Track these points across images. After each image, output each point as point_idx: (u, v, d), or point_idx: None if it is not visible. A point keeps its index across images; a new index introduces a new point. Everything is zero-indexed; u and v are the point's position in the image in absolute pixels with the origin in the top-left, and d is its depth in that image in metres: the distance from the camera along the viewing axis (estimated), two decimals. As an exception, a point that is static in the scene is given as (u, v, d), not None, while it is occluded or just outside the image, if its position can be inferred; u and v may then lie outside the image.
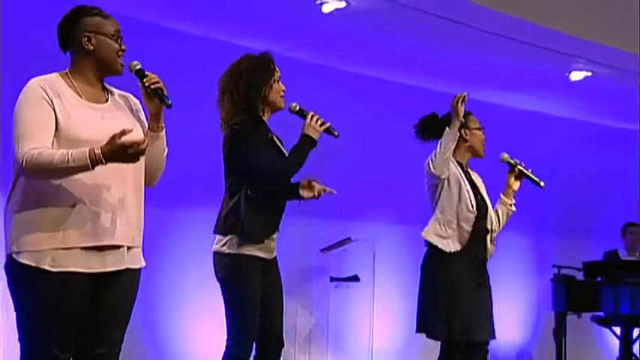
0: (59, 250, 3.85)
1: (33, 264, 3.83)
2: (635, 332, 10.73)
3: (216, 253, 5.00)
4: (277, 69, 5.12)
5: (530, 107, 11.31)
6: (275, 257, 5.14)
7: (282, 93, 5.12)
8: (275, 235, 5.06)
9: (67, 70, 4.05)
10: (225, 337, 4.99)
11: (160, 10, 8.09)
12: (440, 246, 5.72)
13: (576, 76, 9.94)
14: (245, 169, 4.95)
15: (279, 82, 5.11)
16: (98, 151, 3.66)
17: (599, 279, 10.65)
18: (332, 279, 9.28)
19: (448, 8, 7.96)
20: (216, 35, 8.47)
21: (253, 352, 5.04)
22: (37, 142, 3.75)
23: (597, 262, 11.00)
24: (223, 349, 5.00)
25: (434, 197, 5.84)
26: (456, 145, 5.83)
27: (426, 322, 5.79)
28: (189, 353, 8.38)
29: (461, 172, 5.85)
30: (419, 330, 5.88)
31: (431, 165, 5.69)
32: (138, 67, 4.10)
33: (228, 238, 4.94)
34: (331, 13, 7.81)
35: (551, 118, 11.58)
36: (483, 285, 5.84)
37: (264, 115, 5.11)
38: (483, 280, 5.85)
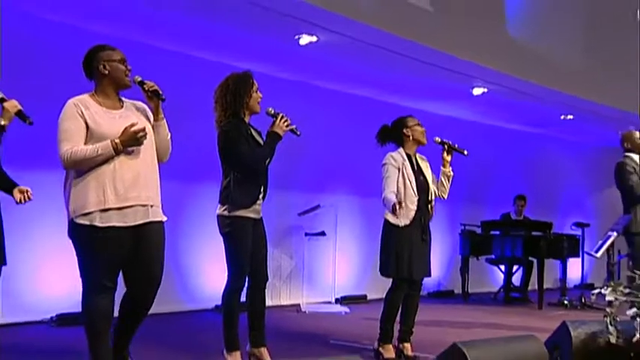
0: (103, 212, 4.07)
1: (87, 223, 4.06)
2: (514, 269, 10.90)
3: (218, 216, 5.01)
4: (255, 83, 5.07)
5: (445, 113, 11.06)
6: (261, 218, 5.11)
7: (259, 100, 5.07)
8: (260, 202, 5.02)
9: (93, 91, 4.26)
10: (226, 274, 5.01)
11: (178, 38, 7.84)
12: (394, 222, 5.54)
13: (477, 91, 9.73)
14: (232, 159, 4.96)
15: (257, 92, 5.07)
16: (117, 141, 4.07)
17: (492, 233, 10.69)
18: (306, 234, 9.13)
19: (388, 41, 7.72)
20: (218, 59, 8.21)
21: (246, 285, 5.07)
22: (71, 143, 4.05)
23: (489, 221, 10.98)
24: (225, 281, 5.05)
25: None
26: (403, 141, 5.70)
27: (384, 266, 5.65)
28: (201, 284, 8.35)
29: (407, 163, 5.62)
30: (381, 272, 5.71)
31: (384, 199, 5.55)
32: (139, 79, 4.31)
33: (226, 206, 4.95)
34: (306, 44, 7.67)
35: (460, 121, 11.39)
36: (425, 240, 5.64)
37: (245, 116, 5.05)
38: (425, 237, 5.64)
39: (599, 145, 13.65)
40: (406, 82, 9.46)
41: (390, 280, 5.70)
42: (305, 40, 7.54)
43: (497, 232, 10.60)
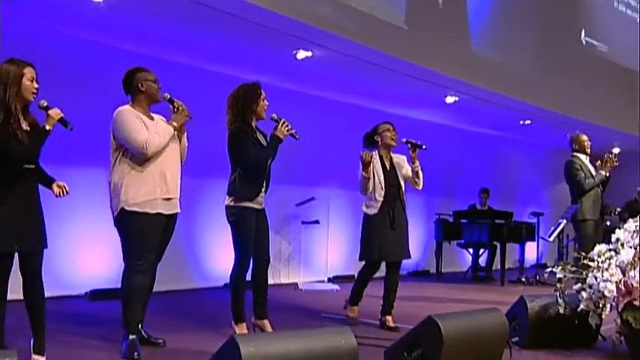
0: (153, 201, 4.32)
1: (139, 210, 4.29)
2: (481, 251, 10.92)
3: (226, 206, 5.02)
4: (263, 92, 5.08)
5: (422, 118, 11.06)
6: (264, 208, 5.11)
7: (265, 107, 5.07)
8: (262, 195, 5.03)
9: (130, 103, 4.49)
10: (233, 257, 5.03)
11: (193, 54, 7.88)
12: (367, 212, 5.74)
13: (450, 99, 9.71)
14: (238, 158, 4.97)
15: (264, 101, 5.06)
16: (174, 123, 4.49)
17: (462, 221, 10.70)
18: (302, 222, 9.15)
19: (372, 56, 7.73)
20: (228, 71, 8.20)
21: (251, 266, 5.11)
22: (143, 134, 4.30)
23: (460, 211, 11.00)
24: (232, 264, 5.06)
25: None
26: (376, 145, 5.86)
27: (361, 252, 5.80)
28: (211, 265, 8.35)
29: (378, 161, 5.76)
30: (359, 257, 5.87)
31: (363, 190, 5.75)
32: (168, 96, 4.56)
33: (232, 198, 4.97)
34: (303, 59, 7.67)
35: (434, 125, 11.37)
36: (394, 228, 5.73)
37: (252, 121, 5.05)
38: (395, 224, 5.73)
39: (552, 146, 13.71)
40: (388, 91, 9.44)
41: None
42: (302, 54, 7.55)
43: (467, 220, 10.62)
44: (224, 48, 7.57)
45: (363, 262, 5.84)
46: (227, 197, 5.00)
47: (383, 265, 5.85)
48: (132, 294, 4.35)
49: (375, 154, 5.78)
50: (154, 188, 4.34)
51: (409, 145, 5.82)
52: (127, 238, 4.37)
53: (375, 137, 5.84)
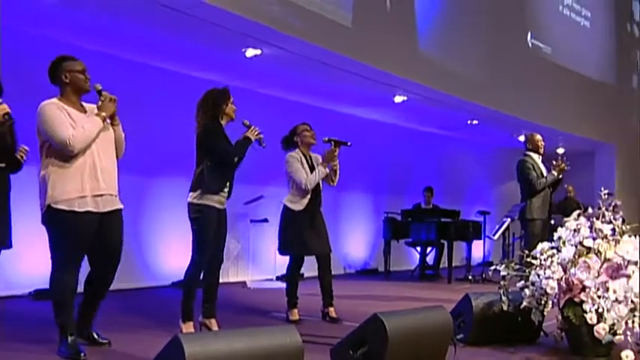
0: (81, 199, 4.10)
1: (67, 208, 4.08)
2: (428, 250, 10.99)
3: (189, 204, 4.98)
4: (231, 97, 5.13)
5: (371, 117, 11.12)
6: (225, 209, 5.12)
7: (234, 110, 5.14)
8: (224, 194, 5.04)
9: (59, 96, 4.25)
10: (190, 255, 4.99)
11: (142, 50, 7.78)
12: (291, 207, 5.85)
13: (398, 99, 9.76)
14: (209, 149, 4.97)
15: (233, 104, 5.13)
16: (103, 114, 4.24)
17: (410, 219, 10.73)
18: (251, 221, 9.14)
19: (320, 54, 7.80)
20: (176, 68, 8.24)
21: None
22: (69, 130, 4.06)
23: (409, 210, 11.07)
24: (188, 262, 5.03)
25: (290, 180, 5.92)
26: (297, 145, 5.99)
27: (282, 246, 5.97)
28: (159, 263, 8.31)
29: (304, 160, 5.90)
30: (279, 250, 6.07)
31: (307, 184, 5.79)
32: (99, 87, 4.30)
33: (197, 192, 4.93)
34: (252, 57, 7.68)
35: (383, 124, 11.46)
36: (315, 222, 5.89)
37: (222, 121, 5.10)
38: (315, 220, 5.90)
39: (499, 146, 13.94)
40: (337, 90, 9.48)
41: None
42: (251, 53, 7.55)
43: (414, 219, 10.66)
44: (173, 45, 7.51)
45: (289, 261, 5.96)
46: (191, 193, 4.98)
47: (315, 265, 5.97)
48: (62, 295, 4.21)
49: (298, 152, 5.91)
50: (83, 185, 4.13)
51: (331, 143, 5.91)
52: (54, 237, 4.19)
53: (295, 138, 5.99)
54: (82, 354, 4.11)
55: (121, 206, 4.39)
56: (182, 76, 8.34)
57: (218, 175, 4.96)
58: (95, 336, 4.51)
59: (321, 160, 5.94)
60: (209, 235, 4.95)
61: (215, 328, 5.02)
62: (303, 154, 5.92)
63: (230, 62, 8.04)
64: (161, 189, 8.21)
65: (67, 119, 4.11)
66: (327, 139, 5.93)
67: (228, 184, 5.07)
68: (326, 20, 7.58)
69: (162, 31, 7.01)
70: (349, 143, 5.95)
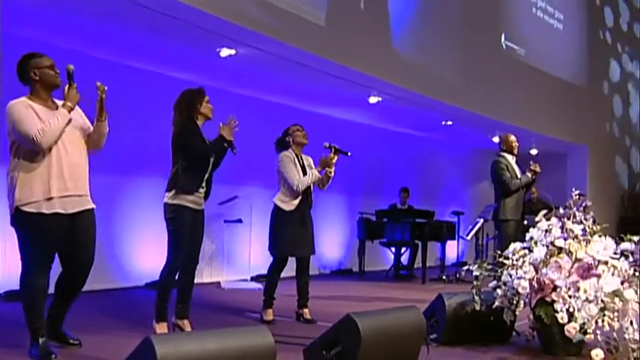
0: (48, 200, 4.05)
1: (34, 210, 4.03)
2: (403, 250, 11.09)
3: (164, 204, 4.98)
4: (205, 96, 5.14)
5: (345, 117, 11.17)
6: (202, 210, 5.13)
7: (210, 109, 5.15)
8: (200, 194, 5.04)
9: (28, 94, 4.20)
10: (166, 255, 4.98)
11: (117, 50, 7.76)
12: (283, 207, 5.85)
13: (373, 100, 9.76)
14: (184, 148, 4.96)
15: (209, 103, 5.15)
16: (69, 104, 4.17)
17: (384, 220, 10.76)
18: (225, 221, 9.10)
19: (294, 55, 7.74)
20: (151, 68, 8.21)
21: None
22: (36, 125, 4.00)
23: (383, 210, 11.12)
24: (162, 263, 5.03)
25: (281, 180, 5.92)
26: (289, 146, 6.00)
27: (271, 245, 5.96)
28: (132, 264, 8.25)
29: (296, 160, 5.92)
30: (269, 250, 6.04)
31: (298, 186, 5.80)
32: (71, 68, 4.22)
33: (172, 192, 4.93)
34: (226, 57, 7.63)
35: (357, 124, 11.50)
36: (305, 223, 5.91)
37: (198, 120, 5.10)
38: (305, 221, 5.91)
39: (473, 147, 14.02)
40: (312, 90, 9.48)
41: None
42: (225, 52, 7.51)
43: (389, 219, 10.71)
44: (148, 45, 7.47)
45: (272, 260, 5.95)
46: (166, 193, 4.98)
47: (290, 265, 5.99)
48: (32, 296, 4.17)
49: (291, 153, 5.94)
50: (50, 186, 4.07)
51: (331, 150, 5.94)
52: (23, 240, 4.14)
53: (287, 138, 6.01)
54: (53, 355, 4.09)
55: (91, 206, 4.34)
56: (156, 75, 8.30)
57: (192, 175, 4.96)
58: (66, 337, 4.47)
59: (312, 162, 6.00)
60: (184, 235, 4.94)
61: (188, 328, 5.00)
62: (296, 155, 5.95)
63: (205, 62, 8.01)
64: (136, 189, 8.16)
65: (35, 117, 4.06)
66: (327, 145, 5.98)
67: (205, 184, 5.07)
68: (301, 20, 7.58)
69: (137, 30, 6.96)
70: (349, 153, 6.00)
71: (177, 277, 5.08)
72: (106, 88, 4.29)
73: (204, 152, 4.99)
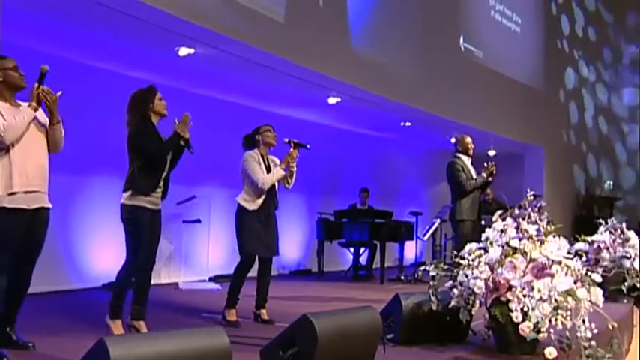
0: (11, 195, 4.04)
1: None
2: (361, 250, 11.19)
3: (122, 204, 4.93)
4: (157, 93, 5.09)
5: (304, 118, 11.17)
6: (159, 209, 5.08)
7: (164, 106, 5.10)
8: (157, 194, 5.00)
9: None
10: (125, 255, 4.96)
11: (74, 49, 7.66)
12: (246, 206, 5.81)
13: (332, 100, 9.80)
14: (139, 148, 4.92)
15: (162, 100, 5.09)
16: (33, 104, 4.19)
17: (343, 220, 10.80)
18: (184, 221, 9.06)
19: (253, 54, 7.75)
20: (108, 66, 8.14)
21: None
22: None
23: (342, 210, 11.15)
24: (119, 263, 5.01)
25: (245, 179, 5.88)
26: (257, 145, 5.98)
27: (239, 245, 5.87)
28: (89, 265, 8.16)
29: (261, 160, 5.90)
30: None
31: (263, 184, 5.78)
32: (46, 68, 4.27)
33: (129, 193, 4.89)
34: (184, 56, 7.60)
35: (317, 125, 11.53)
36: (269, 223, 5.93)
37: (152, 119, 5.05)
38: (269, 222, 5.91)
39: (432, 148, 14.14)
40: (272, 91, 9.47)
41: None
42: (184, 52, 7.46)
43: (348, 220, 10.76)
44: (105, 43, 7.39)
45: (239, 260, 5.88)
46: (123, 194, 4.94)
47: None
48: None
49: (256, 153, 5.92)
50: (13, 181, 4.09)
51: (291, 145, 5.95)
52: None
53: (257, 137, 5.97)
54: (5, 358, 4.01)
55: (49, 205, 4.36)
56: (114, 74, 8.21)
57: (148, 176, 4.92)
58: (17, 339, 4.40)
59: (278, 163, 5.98)
60: (142, 236, 4.91)
61: (144, 330, 4.94)
62: (261, 155, 5.93)
63: (163, 61, 7.95)
64: (92, 189, 8.06)
65: None
66: (287, 140, 5.98)
67: (162, 184, 5.03)
68: (260, 20, 7.55)
69: (96, 29, 6.87)
70: (308, 146, 6.01)
71: (134, 278, 5.05)
72: (60, 93, 4.31)
73: (159, 152, 4.94)
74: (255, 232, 5.78)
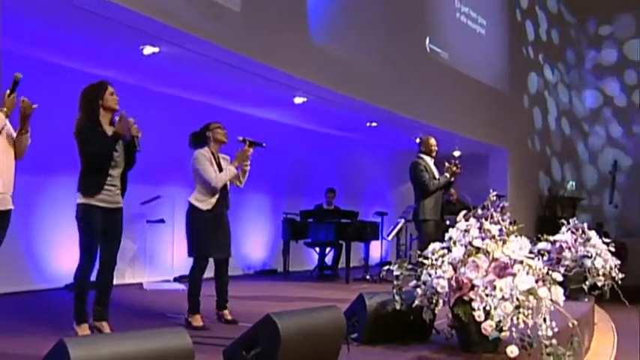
0: None
1: None
2: (327, 250, 11.20)
3: (76, 204, 4.89)
4: (109, 88, 4.99)
5: (271, 117, 11.16)
6: (119, 208, 5.01)
7: (115, 101, 4.99)
8: (108, 192, 4.88)
9: None
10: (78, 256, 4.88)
11: (36, 46, 7.56)
12: (199, 206, 5.69)
13: (298, 100, 9.82)
14: (80, 152, 4.88)
15: (113, 95, 4.98)
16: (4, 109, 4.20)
17: (309, 220, 10.82)
18: (148, 221, 9.02)
19: (223, 55, 7.72)
20: (71, 64, 8.02)
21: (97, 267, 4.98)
22: None
23: (308, 210, 11.15)
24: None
25: (197, 178, 5.77)
26: (207, 142, 5.85)
27: (191, 247, 5.78)
28: (52, 265, 8.09)
29: (213, 159, 5.78)
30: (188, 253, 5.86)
31: (216, 183, 5.66)
32: (19, 77, 4.26)
33: (80, 192, 4.86)
34: (149, 55, 7.54)
35: (283, 125, 11.52)
36: (222, 224, 5.79)
37: (101, 116, 4.95)
38: (222, 221, 5.78)
39: (398, 148, 14.20)
40: (237, 90, 9.45)
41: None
42: (148, 50, 7.40)
43: (313, 220, 10.77)
44: (69, 41, 7.30)
45: (192, 262, 5.77)
46: (77, 194, 4.89)
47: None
48: None
49: (207, 151, 5.80)
50: None
51: (246, 143, 5.85)
52: None
53: (208, 133, 5.84)
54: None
55: (12, 207, 4.36)
56: (77, 72, 8.10)
57: (93, 175, 4.86)
58: None
59: (229, 161, 5.87)
60: (93, 235, 4.83)
61: (107, 331, 4.89)
62: (212, 153, 5.80)
63: (127, 60, 7.88)
64: (55, 189, 7.94)
65: None
66: (241, 138, 5.87)
67: (118, 182, 4.96)
68: (225, 20, 7.51)
69: (58, 26, 6.80)
70: (264, 144, 5.92)
71: (95, 279, 4.97)
72: (35, 106, 4.32)
73: (97, 153, 4.84)
74: (208, 234, 5.65)
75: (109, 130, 4.95)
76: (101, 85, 4.98)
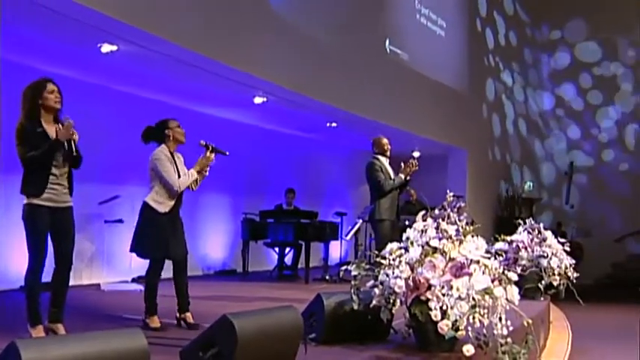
0: None
1: None
2: (286, 250, 11.24)
3: (23, 205, 4.79)
4: (50, 86, 4.82)
5: (230, 117, 11.16)
6: (68, 207, 4.87)
7: (55, 100, 4.83)
8: (51, 192, 4.76)
9: None
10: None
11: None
12: (157, 208, 5.57)
13: (258, 100, 9.78)
14: (20, 152, 4.74)
15: (52, 94, 4.82)
16: None
17: (268, 220, 10.80)
18: (106, 221, 8.91)
19: (182, 54, 7.65)
20: (26, 62, 7.80)
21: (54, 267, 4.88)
22: None
23: (266, 211, 11.14)
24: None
25: (156, 179, 5.64)
26: (165, 140, 5.70)
27: (140, 247, 5.68)
28: (6, 267, 7.92)
29: (171, 158, 5.65)
30: (137, 252, 5.74)
31: (179, 188, 5.58)
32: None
33: (23, 194, 4.78)
34: (107, 53, 7.44)
35: (242, 125, 11.54)
36: (177, 224, 5.68)
37: (41, 116, 4.82)
38: (177, 222, 5.68)
39: (357, 148, 14.25)
40: (197, 89, 9.40)
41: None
42: (106, 48, 7.30)
43: (273, 220, 10.75)
44: (25, 38, 7.16)
45: (149, 264, 5.67)
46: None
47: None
48: None
49: (165, 149, 5.67)
50: None
51: (208, 149, 5.74)
52: None
53: (167, 131, 5.68)
54: None
55: None
56: (33, 70, 7.93)
57: (34, 177, 4.74)
58: None
59: (183, 160, 5.77)
60: (38, 235, 4.73)
61: (62, 332, 4.81)
62: (170, 152, 5.67)
63: (85, 58, 7.77)
64: (7, 189, 7.73)
65: None
66: (204, 143, 5.75)
67: (66, 182, 4.86)
68: (184, 17, 7.46)
69: (13, 22, 6.64)
70: (227, 153, 5.77)
71: (51, 279, 4.89)
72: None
73: (38, 156, 4.70)
74: (165, 235, 5.54)
75: (51, 130, 4.81)
76: (40, 84, 4.83)
